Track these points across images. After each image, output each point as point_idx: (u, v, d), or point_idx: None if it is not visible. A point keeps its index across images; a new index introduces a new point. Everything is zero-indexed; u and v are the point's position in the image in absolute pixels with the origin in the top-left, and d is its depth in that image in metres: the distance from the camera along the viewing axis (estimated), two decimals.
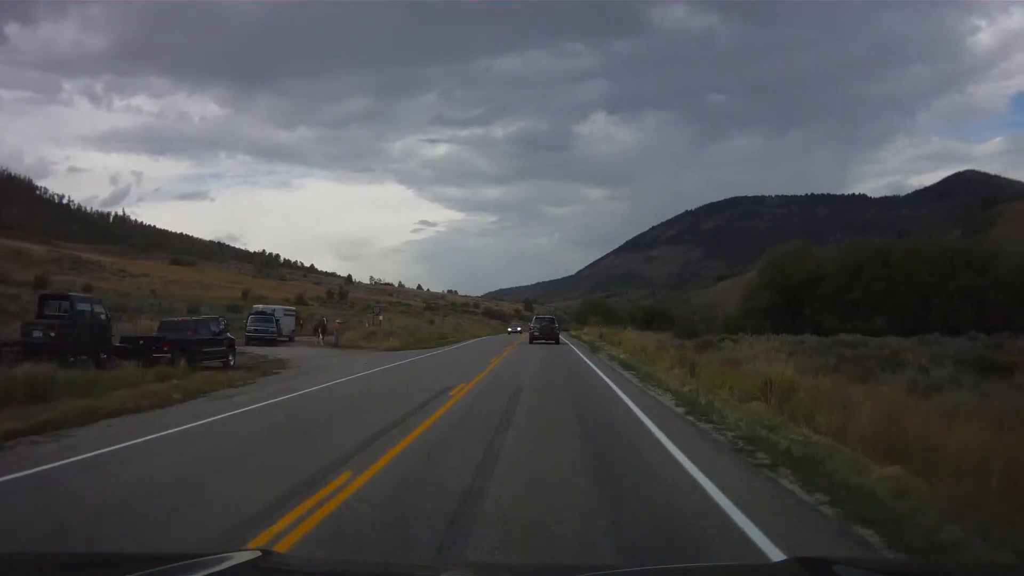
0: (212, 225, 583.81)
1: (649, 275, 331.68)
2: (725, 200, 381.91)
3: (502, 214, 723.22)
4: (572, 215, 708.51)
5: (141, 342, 23.38)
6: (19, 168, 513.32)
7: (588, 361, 30.39)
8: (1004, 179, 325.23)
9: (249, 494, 7.13)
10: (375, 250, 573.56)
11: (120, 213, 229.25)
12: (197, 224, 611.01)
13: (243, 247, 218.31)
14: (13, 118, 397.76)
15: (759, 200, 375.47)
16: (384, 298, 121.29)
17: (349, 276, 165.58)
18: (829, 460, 8.89)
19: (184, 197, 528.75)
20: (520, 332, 76.65)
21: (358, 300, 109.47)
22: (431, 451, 9.70)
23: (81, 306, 23.06)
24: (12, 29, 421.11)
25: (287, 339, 48.02)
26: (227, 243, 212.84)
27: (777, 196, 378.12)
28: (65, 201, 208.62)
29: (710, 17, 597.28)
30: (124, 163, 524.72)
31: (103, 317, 23.77)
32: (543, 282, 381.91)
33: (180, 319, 27.62)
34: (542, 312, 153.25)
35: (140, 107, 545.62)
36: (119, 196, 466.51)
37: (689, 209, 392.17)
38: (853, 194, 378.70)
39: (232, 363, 26.99)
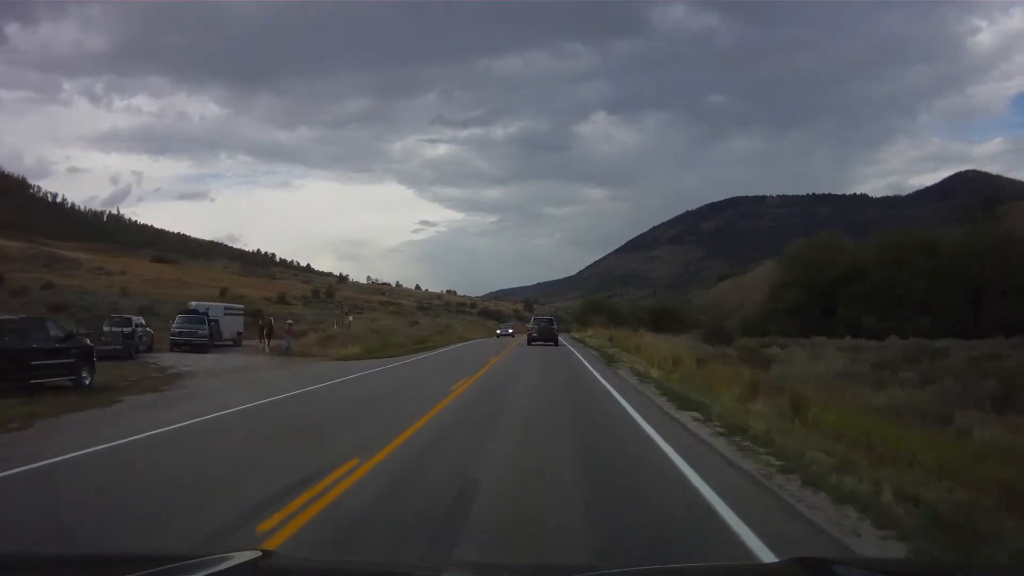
0: (212, 225, 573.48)
1: (650, 275, 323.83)
2: (726, 200, 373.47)
3: (502, 214, 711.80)
4: (572, 215, 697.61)
5: None
6: (19, 168, 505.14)
7: (608, 385, 19.76)
8: (1005, 179, 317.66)
9: None
10: (375, 250, 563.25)
11: (115, 212, 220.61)
12: (197, 224, 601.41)
13: (242, 247, 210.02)
14: (13, 118, 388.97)
15: (760, 200, 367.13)
16: (376, 298, 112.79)
17: (341, 275, 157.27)
18: None
19: (184, 197, 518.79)
20: (512, 335, 67.95)
21: (346, 299, 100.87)
22: None
23: None
24: (12, 29, 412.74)
25: (231, 343, 39.25)
26: (225, 243, 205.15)
27: (778, 196, 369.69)
28: (59, 200, 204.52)
29: (710, 17, 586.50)
30: (124, 163, 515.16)
31: None
32: (543, 282, 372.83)
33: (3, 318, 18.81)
34: (542, 312, 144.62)
35: (140, 107, 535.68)
36: (119, 196, 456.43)
37: (690, 209, 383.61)
38: (854, 194, 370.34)
39: (88, 381, 18.36)
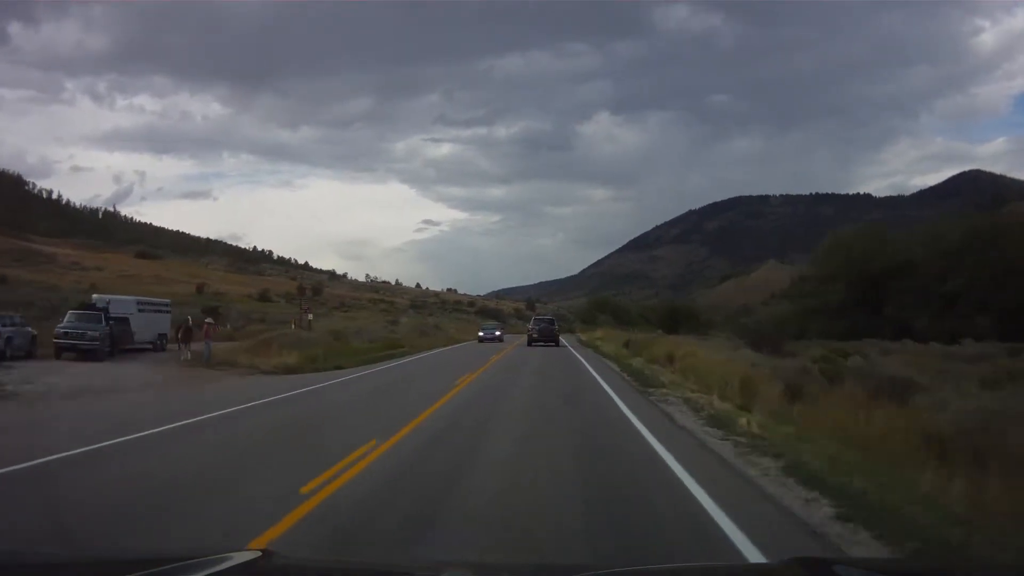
0: (215, 224, 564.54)
1: (652, 275, 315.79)
2: (728, 199, 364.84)
3: (505, 214, 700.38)
4: (575, 215, 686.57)
5: None
6: (22, 167, 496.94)
7: (668, 455, 9.52)
8: (1009, 179, 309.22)
9: None
10: (378, 250, 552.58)
11: (111, 209, 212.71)
12: (200, 224, 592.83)
13: (242, 246, 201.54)
14: (16, 118, 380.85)
15: (763, 199, 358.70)
16: (368, 295, 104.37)
17: (334, 271, 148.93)
18: None
19: (187, 196, 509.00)
20: (499, 338, 53.62)
21: (335, 297, 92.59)
22: None
23: None
24: (14, 28, 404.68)
25: (150, 347, 30.72)
26: (227, 241, 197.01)
27: (781, 196, 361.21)
28: (55, 197, 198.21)
29: (712, 17, 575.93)
30: (127, 162, 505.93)
31: None
32: (546, 282, 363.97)
33: None
34: (543, 312, 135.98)
35: (143, 106, 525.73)
36: (122, 195, 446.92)
37: (692, 209, 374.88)
38: (857, 193, 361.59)
39: None
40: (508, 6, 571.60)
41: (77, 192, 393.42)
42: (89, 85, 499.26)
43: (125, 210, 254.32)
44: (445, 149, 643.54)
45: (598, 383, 19.14)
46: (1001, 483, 7.10)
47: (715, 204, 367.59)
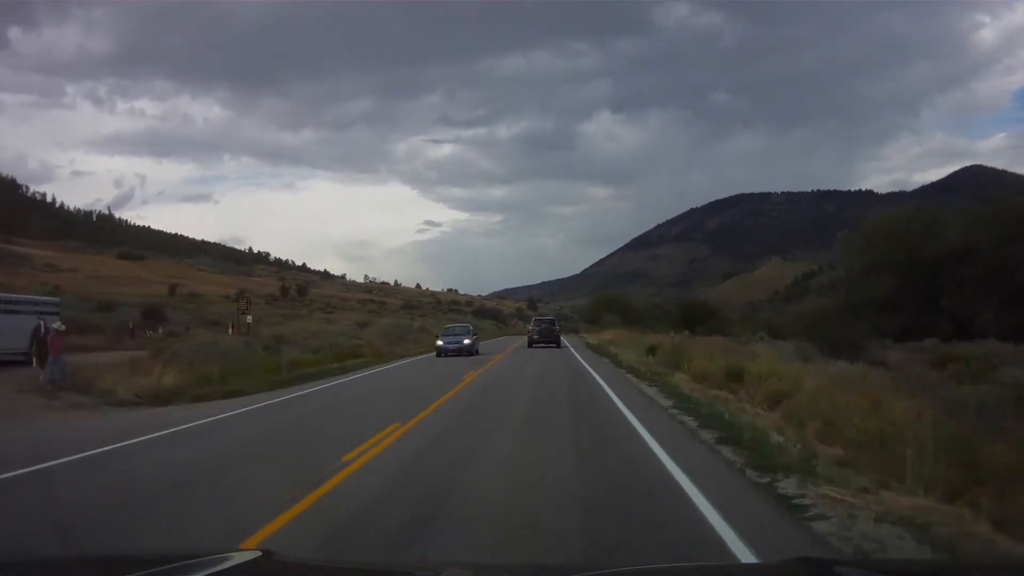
0: (217, 227, 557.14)
1: (654, 273, 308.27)
2: (730, 197, 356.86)
3: (507, 214, 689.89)
4: (576, 214, 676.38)
5: None
6: (23, 171, 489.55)
7: None
8: (1011, 174, 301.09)
9: None
10: (380, 251, 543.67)
11: (105, 212, 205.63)
12: (202, 227, 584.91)
13: (242, 248, 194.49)
14: (16, 122, 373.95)
15: (765, 197, 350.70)
16: (360, 296, 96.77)
17: (326, 271, 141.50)
18: None
19: (188, 200, 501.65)
20: (469, 349, 32.25)
21: (322, 297, 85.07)
22: None
23: None
24: (14, 33, 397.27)
25: (24, 359, 23.05)
26: (225, 244, 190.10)
27: (783, 193, 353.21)
28: (49, 200, 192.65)
29: (713, 16, 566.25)
30: (128, 166, 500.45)
31: None
32: (548, 281, 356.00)
33: None
34: (544, 311, 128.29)
35: (144, 110, 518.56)
36: (123, 199, 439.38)
37: (694, 207, 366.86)
38: (860, 190, 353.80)
39: None
40: (508, 6, 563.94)
41: (78, 197, 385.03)
42: (90, 89, 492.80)
43: (126, 214, 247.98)
44: (446, 150, 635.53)
45: (666, 467, 7.98)
46: None
47: (717, 202, 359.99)
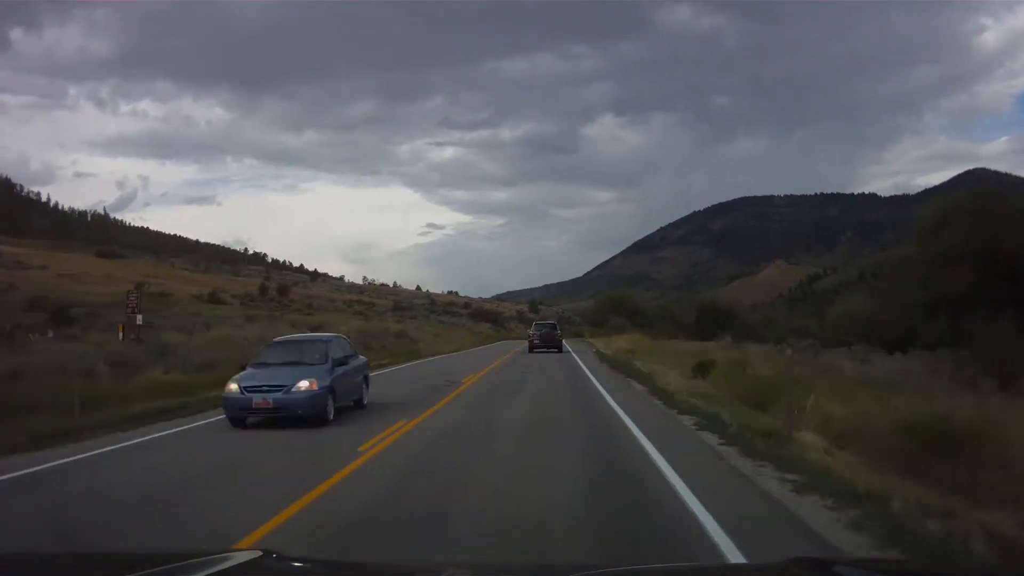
0: (220, 230, 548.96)
1: (657, 276, 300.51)
2: (733, 200, 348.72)
3: (509, 217, 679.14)
4: (579, 217, 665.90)
5: None
6: (25, 173, 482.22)
7: None
8: (1015, 177, 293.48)
9: None
10: (382, 253, 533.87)
11: (101, 212, 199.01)
12: (205, 229, 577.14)
13: (238, 248, 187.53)
14: (19, 124, 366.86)
15: (768, 200, 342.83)
16: (349, 296, 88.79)
17: (316, 271, 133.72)
18: None
19: (191, 202, 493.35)
20: (320, 401, 12.45)
21: (305, 297, 77.06)
22: None
23: None
24: (16, 34, 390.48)
25: None
26: (225, 246, 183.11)
27: (786, 196, 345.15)
28: (44, 200, 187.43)
29: (716, 18, 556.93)
30: (131, 167, 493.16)
31: None
32: (551, 284, 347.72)
33: None
34: (547, 314, 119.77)
35: (146, 112, 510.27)
36: (126, 201, 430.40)
37: (697, 209, 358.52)
38: (863, 193, 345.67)
39: None
40: (509, 8, 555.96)
41: (81, 198, 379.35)
42: (92, 90, 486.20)
43: (129, 216, 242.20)
44: (449, 152, 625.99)
45: None
46: None
47: (720, 205, 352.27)
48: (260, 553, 2.63)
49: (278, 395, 12.12)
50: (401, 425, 12.21)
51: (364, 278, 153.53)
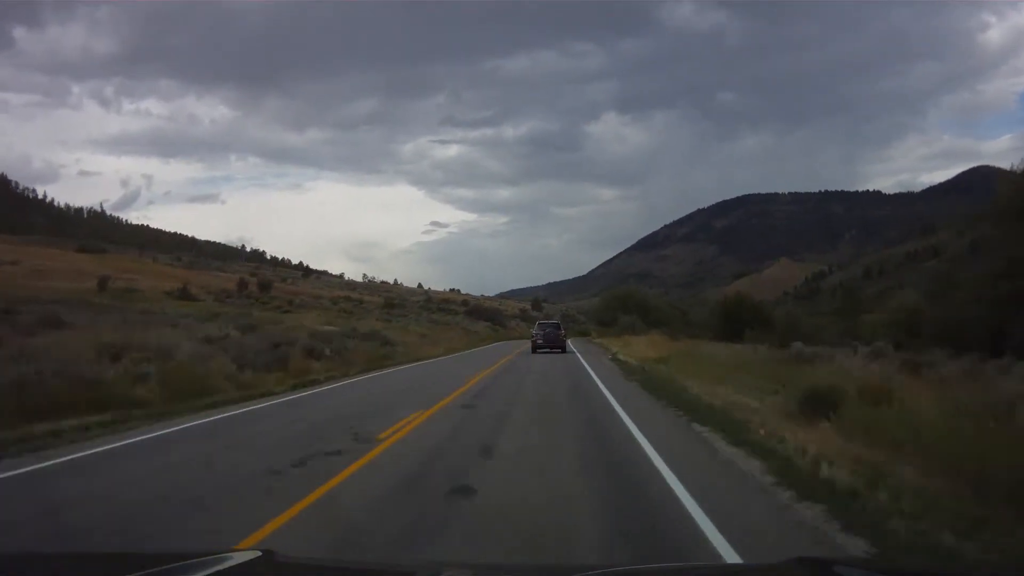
0: (223, 228, 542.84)
1: (661, 274, 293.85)
2: (737, 198, 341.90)
3: (513, 215, 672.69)
4: (583, 215, 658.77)
5: None
6: (28, 171, 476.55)
7: None
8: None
9: None
10: (386, 252, 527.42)
11: (97, 209, 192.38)
12: (208, 227, 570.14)
13: (235, 246, 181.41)
14: (22, 122, 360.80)
15: (772, 197, 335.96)
16: (338, 293, 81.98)
17: (307, 268, 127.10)
18: None
19: (195, 200, 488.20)
20: None
21: (287, 294, 70.23)
22: None
23: None
24: (19, 33, 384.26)
25: None
26: (226, 244, 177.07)
27: (790, 193, 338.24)
28: (39, 197, 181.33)
29: (718, 15, 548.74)
30: (134, 166, 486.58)
31: None
32: (554, 282, 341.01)
33: None
34: (550, 312, 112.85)
35: (150, 110, 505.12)
36: (129, 199, 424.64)
37: (701, 207, 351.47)
38: (867, 191, 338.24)
39: None
40: (512, 6, 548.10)
41: (85, 197, 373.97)
42: (95, 89, 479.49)
43: (132, 214, 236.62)
44: (453, 150, 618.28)
45: None
46: None
47: (723, 203, 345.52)
48: (260, 553, 2.57)
49: None
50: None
51: (364, 275, 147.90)
